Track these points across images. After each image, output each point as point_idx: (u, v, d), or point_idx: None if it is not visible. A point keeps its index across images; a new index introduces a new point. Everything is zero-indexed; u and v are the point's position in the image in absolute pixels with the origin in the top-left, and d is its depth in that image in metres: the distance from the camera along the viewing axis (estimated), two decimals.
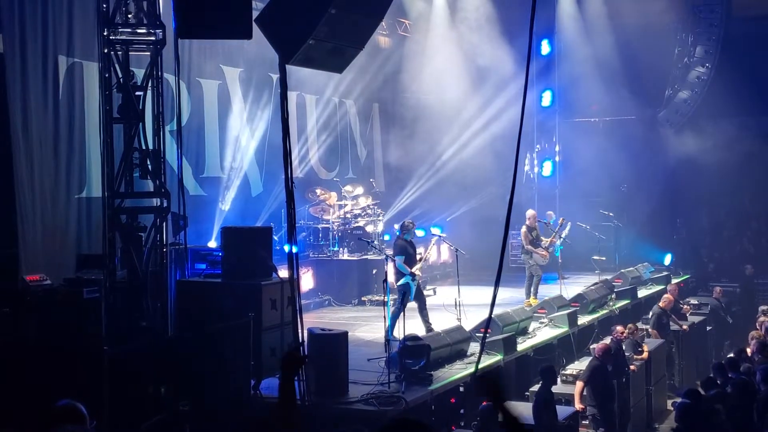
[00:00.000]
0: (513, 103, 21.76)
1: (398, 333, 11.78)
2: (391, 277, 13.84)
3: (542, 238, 16.74)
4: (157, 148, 10.66)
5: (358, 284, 17.75)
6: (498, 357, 12.24)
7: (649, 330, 16.23)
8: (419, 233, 14.97)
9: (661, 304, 16.58)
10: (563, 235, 17.44)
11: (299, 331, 9.64)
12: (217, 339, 10.07)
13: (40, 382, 8.66)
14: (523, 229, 16.62)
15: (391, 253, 13.88)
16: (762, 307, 16.65)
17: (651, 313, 16.73)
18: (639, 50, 22.04)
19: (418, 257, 13.83)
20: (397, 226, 20.85)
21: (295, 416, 4.77)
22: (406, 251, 13.48)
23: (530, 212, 17.06)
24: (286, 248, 10.47)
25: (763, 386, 10.55)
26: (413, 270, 13.32)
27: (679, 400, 10.80)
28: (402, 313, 12.51)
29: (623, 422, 13.06)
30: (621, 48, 22.29)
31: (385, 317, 11.48)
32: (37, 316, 10.01)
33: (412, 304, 13.41)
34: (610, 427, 12.40)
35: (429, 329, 13.15)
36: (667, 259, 21.70)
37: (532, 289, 16.44)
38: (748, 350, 13.21)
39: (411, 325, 12.44)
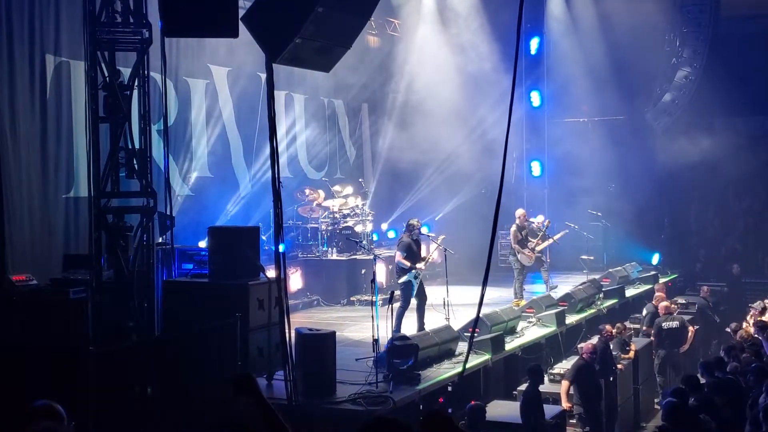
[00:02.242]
0: (502, 103, 21.77)
1: (384, 332, 11.78)
2: (380, 277, 13.86)
3: (530, 239, 16.74)
4: (143, 147, 10.62)
5: (346, 284, 17.72)
6: (486, 356, 12.27)
7: (644, 328, 16.30)
8: (424, 230, 15.04)
9: (654, 302, 16.64)
10: (555, 238, 17.56)
11: (287, 331, 9.65)
12: (204, 339, 10.06)
13: (25, 382, 8.63)
14: (513, 228, 16.63)
15: (394, 251, 13.96)
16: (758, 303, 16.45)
17: (645, 311, 16.80)
18: (628, 50, 22.07)
19: (422, 256, 13.94)
20: (385, 226, 20.95)
21: None
22: (410, 249, 13.54)
23: (520, 211, 17.05)
24: (274, 248, 10.45)
25: (754, 384, 10.61)
26: (418, 265, 13.41)
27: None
28: (393, 312, 12.56)
29: (610, 421, 13.11)
30: (610, 48, 22.30)
31: (373, 317, 11.47)
32: (23, 316, 9.97)
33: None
34: (597, 426, 12.44)
35: (420, 328, 13.21)
36: (655, 259, 21.77)
37: (516, 291, 16.45)
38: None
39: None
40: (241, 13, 9.72)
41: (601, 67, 22.34)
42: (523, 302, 15.87)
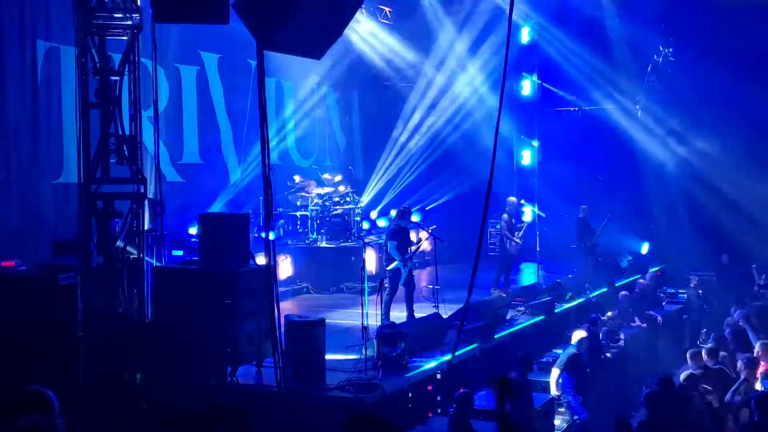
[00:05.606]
0: (494, 91, 21.76)
1: (374, 320, 11.81)
2: (369, 265, 13.87)
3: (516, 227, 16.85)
4: (133, 133, 10.58)
5: (336, 271, 17.73)
6: (475, 345, 12.29)
7: None
8: (415, 218, 15.04)
9: None
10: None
11: (276, 318, 9.66)
12: (194, 326, 10.06)
13: (14, 369, 8.63)
14: (505, 215, 16.72)
15: (384, 237, 13.97)
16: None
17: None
18: (619, 39, 22.11)
19: (412, 246, 13.96)
20: (374, 213, 20.96)
21: None
22: (400, 237, 13.55)
23: (511, 199, 17.17)
24: (264, 235, 10.43)
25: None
26: (405, 257, 13.43)
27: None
28: (382, 298, 12.60)
29: (599, 409, 13.15)
30: (601, 37, 22.31)
31: (362, 304, 11.49)
32: (11, 302, 9.92)
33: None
34: (585, 415, 12.48)
35: (409, 316, 13.24)
36: (645, 248, 21.83)
37: (502, 280, 16.47)
38: None
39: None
40: None
41: (592, 56, 22.34)
42: (510, 291, 15.94)
